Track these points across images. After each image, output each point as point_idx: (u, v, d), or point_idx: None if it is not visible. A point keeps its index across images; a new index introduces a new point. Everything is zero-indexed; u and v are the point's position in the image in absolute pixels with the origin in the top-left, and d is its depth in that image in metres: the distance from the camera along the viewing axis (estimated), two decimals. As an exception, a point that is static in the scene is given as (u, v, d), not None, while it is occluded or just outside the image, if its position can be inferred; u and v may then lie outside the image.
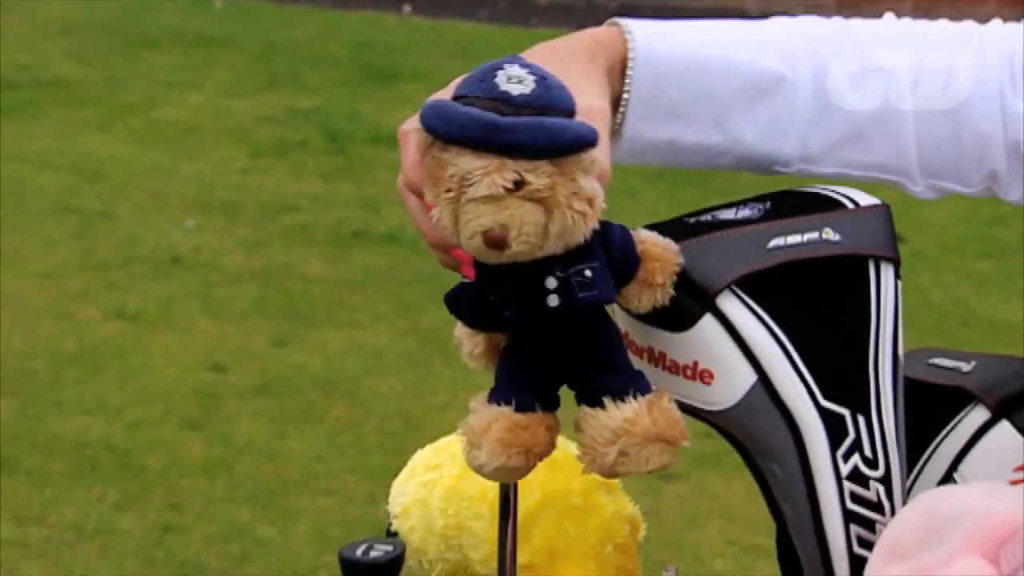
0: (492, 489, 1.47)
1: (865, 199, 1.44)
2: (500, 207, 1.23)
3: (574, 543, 1.53)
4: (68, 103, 7.12)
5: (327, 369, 5.00)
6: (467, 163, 1.23)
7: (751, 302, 1.37)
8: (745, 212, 1.46)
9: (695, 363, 1.38)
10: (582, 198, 1.25)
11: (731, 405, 1.36)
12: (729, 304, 1.35)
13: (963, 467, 1.35)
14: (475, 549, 1.53)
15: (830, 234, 1.41)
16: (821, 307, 1.38)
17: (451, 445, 1.56)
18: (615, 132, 1.46)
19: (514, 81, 1.26)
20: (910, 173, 1.59)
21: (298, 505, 4.28)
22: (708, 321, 1.36)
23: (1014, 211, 5.38)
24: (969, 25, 1.64)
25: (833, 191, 1.47)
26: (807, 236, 1.41)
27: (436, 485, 1.53)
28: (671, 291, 1.36)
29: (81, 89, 7.34)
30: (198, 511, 4.23)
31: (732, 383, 1.35)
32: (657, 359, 1.42)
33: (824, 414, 1.33)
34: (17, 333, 5.08)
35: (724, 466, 4.36)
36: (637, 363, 1.41)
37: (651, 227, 1.40)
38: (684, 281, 1.37)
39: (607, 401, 1.28)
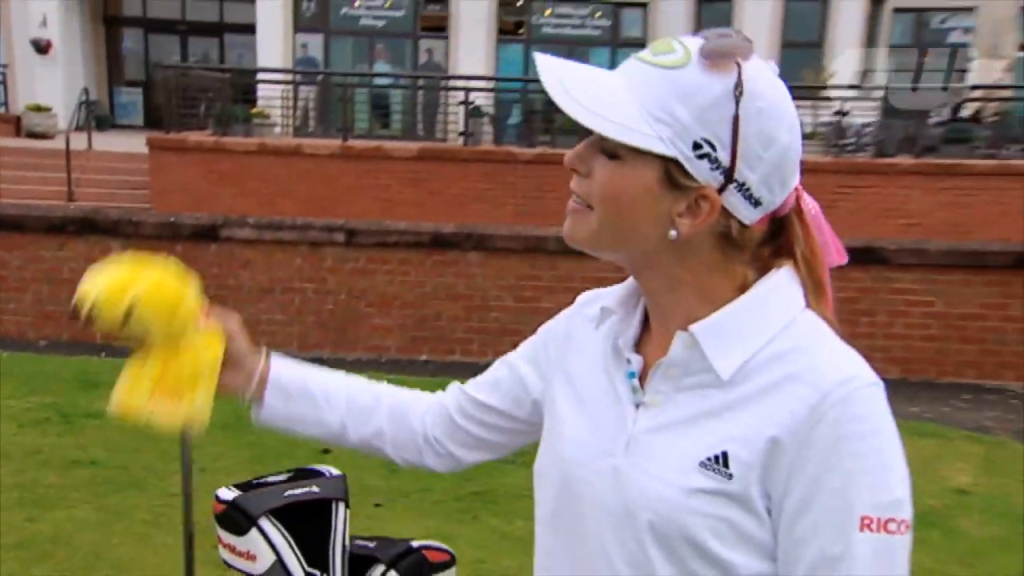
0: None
1: (334, 473, 1.45)
2: None
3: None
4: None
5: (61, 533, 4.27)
6: None
7: (274, 521, 1.27)
8: (282, 477, 1.37)
9: (249, 550, 1.36)
10: None
11: (263, 574, 1.18)
12: (264, 523, 1.27)
13: (372, 598, 1.24)
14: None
15: (315, 488, 1.37)
16: (311, 522, 1.29)
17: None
18: None
19: None
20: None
21: None
22: (253, 531, 1.29)
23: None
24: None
25: (327, 470, 1.40)
26: (305, 489, 1.34)
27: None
28: None
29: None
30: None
31: (264, 562, 1.24)
32: (237, 551, 1.32)
33: (307, 574, 1.18)
34: None
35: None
36: (228, 554, 1.24)
37: (240, 485, 1.25)
38: (241, 510, 1.20)
39: None
